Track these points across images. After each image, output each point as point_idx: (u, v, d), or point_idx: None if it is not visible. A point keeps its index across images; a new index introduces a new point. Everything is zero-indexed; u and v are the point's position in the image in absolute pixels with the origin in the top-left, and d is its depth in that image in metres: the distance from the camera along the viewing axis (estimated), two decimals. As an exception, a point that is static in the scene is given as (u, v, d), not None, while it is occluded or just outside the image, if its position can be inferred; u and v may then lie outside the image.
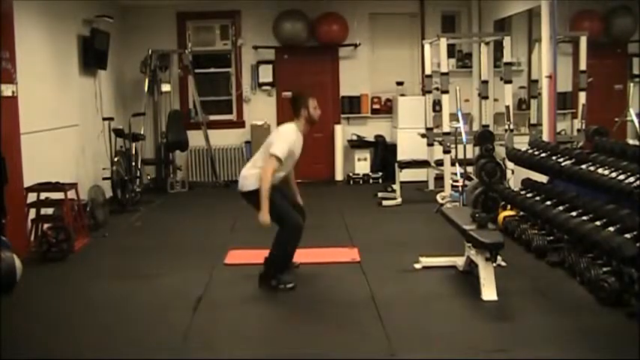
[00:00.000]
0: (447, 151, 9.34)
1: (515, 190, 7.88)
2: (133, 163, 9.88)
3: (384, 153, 11.79)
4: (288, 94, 11.76)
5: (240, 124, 12.02)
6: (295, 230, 5.70)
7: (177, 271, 6.37)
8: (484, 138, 8.17)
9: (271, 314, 5.31)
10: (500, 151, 8.75)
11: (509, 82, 9.40)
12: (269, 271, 5.79)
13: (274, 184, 5.71)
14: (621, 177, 5.78)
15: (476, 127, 10.51)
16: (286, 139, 5.78)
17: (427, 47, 10.32)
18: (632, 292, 4.95)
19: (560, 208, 6.45)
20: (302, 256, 6.36)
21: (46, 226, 7.05)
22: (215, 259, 6.66)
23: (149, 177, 11.32)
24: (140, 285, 5.99)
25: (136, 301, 5.57)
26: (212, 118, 11.95)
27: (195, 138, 11.39)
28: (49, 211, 7.29)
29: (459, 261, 6.05)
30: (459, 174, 8.93)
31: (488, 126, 9.85)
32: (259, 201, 5.61)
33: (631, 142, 8.45)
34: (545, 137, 8.45)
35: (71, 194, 7.38)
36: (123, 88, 11.41)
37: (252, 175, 5.82)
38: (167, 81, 11.52)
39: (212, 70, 12.28)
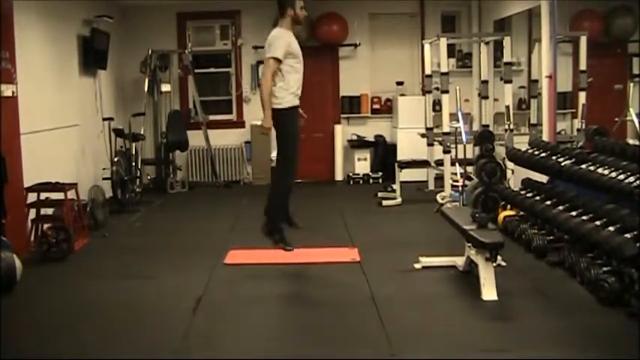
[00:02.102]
0: (446, 151, 9.33)
1: (515, 190, 7.88)
2: (133, 163, 9.88)
3: (384, 153, 11.79)
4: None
5: (240, 124, 12.02)
6: (294, 163, 5.72)
7: (177, 271, 6.37)
8: (484, 138, 8.17)
9: (271, 314, 5.31)
10: (500, 151, 8.75)
11: (509, 81, 9.40)
12: (270, 222, 5.81)
13: (295, 104, 5.79)
14: (621, 177, 5.78)
15: (476, 127, 10.50)
16: (277, 40, 5.80)
17: (427, 47, 10.33)
18: (632, 292, 4.95)
19: (560, 208, 6.45)
20: (302, 256, 6.38)
21: (46, 226, 7.05)
22: (215, 259, 6.66)
23: (149, 177, 11.32)
24: (140, 285, 5.99)
25: (136, 301, 5.57)
26: (212, 118, 11.95)
27: (195, 138, 11.39)
28: (49, 211, 7.29)
29: (459, 261, 6.05)
30: (459, 174, 8.93)
31: (488, 126, 9.84)
32: (277, 120, 5.79)
33: (631, 141, 8.44)
34: (545, 137, 8.45)
35: (71, 194, 7.38)
36: (123, 88, 11.41)
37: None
38: (167, 81, 11.53)
39: (212, 70, 12.28)
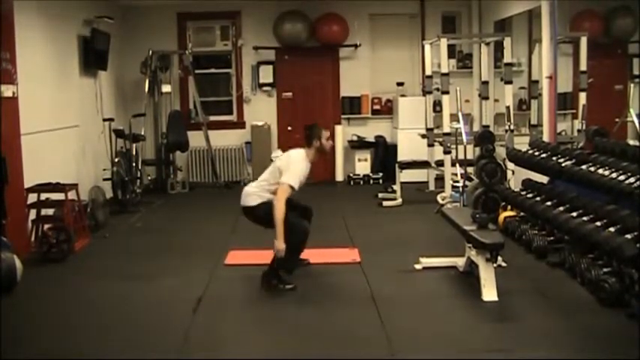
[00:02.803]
0: (447, 152, 9.33)
1: (515, 190, 7.87)
2: (134, 164, 9.87)
3: (384, 154, 11.79)
4: (289, 94, 11.88)
5: (240, 124, 12.02)
6: (303, 234, 5.75)
7: (178, 272, 6.37)
8: (484, 138, 8.16)
9: (271, 315, 5.31)
10: (500, 152, 8.74)
11: (510, 82, 9.40)
12: (272, 271, 5.80)
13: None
14: (622, 177, 5.78)
15: (476, 128, 10.50)
16: (299, 169, 5.86)
17: (427, 48, 10.33)
18: (632, 293, 4.95)
19: (561, 208, 6.44)
20: (303, 256, 6.36)
21: (46, 226, 7.05)
22: (215, 260, 6.67)
23: (149, 178, 11.31)
24: (140, 286, 5.99)
25: (137, 302, 5.57)
26: (212, 118, 11.95)
27: (195, 139, 11.39)
28: (50, 211, 7.29)
29: (460, 261, 6.05)
30: (459, 174, 8.93)
31: (488, 126, 9.84)
32: (260, 216, 5.89)
33: (631, 142, 8.44)
34: (545, 138, 8.45)
35: (72, 195, 7.38)
36: (123, 88, 11.41)
37: (255, 194, 5.98)
38: (167, 82, 11.53)
39: (212, 70, 12.28)
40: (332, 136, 6.19)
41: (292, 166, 5.85)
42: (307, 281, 5.97)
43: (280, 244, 5.58)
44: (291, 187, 5.71)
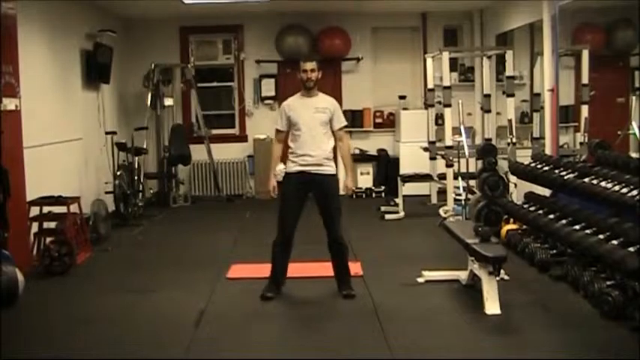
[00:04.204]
0: (449, 165, 9.33)
1: (518, 203, 7.87)
2: (136, 177, 9.89)
3: (386, 167, 11.79)
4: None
5: (242, 138, 12.03)
6: (275, 242, 5.77)
7: (180, 285, 6.36)
8: (487, 151, 8.14)
9: (274, 328, 5.30)
10: (502, 165, 8.74)
11: (512, 95, 9.41)
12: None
13: (297, 170, 5.82)
14: (624, 190, 5.76)
15: (478, 141, 10.50)
16: (280, 109, 5.98)
17: (429, 61, 10.35)
18: (635, 306, 4.93)
19: (563, 221, 6.43)
20: (305, 269, 6.38)
21: (48, 239, 7.06)
22: (218, 274, 6.65)
23: (152, 191, 11.31)
24: (142, 299, 5.98)
25: (139, 315, 5.56)
26: (215, 132, 11.97)
27: (197, 152, 11.40)
28: (52, 224, 7.29)
29: (462, 275, 6.04)
30: (461, 188, 8.92)
31: (490, 139, 9.84)
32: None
33: (634, 155, 8.42)
34: (547, 150, 8.45)
35: (74, 208, 7.39)
36: (126, 102, 11.43)
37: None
38: (170, 95, 11.54)
39: (215, 84, 12.30)
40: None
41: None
42: (310, 294, 5.96)
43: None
44: (276, 130, 6.02)
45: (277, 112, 5.93)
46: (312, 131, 5.80)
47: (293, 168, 5.87)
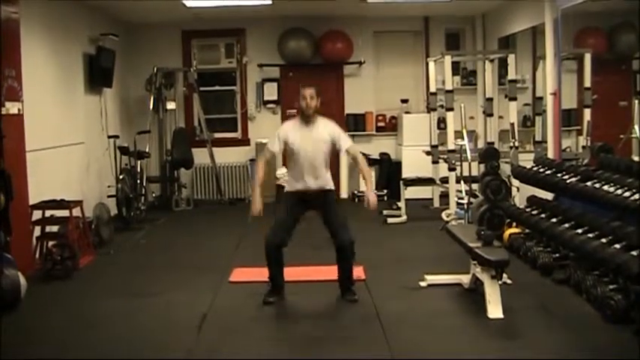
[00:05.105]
0: (452, 169, 9.32)
1: (520, 207, 7.86)
2: (138, 181, 9.89)
3: (389, 171, 11.78)
4: (293, 111, 11.87)
5: (245, 141, 12.04)
6: (265, 246, 5.78)
7: (182, 289, 6.36)
8: (489, 155, 8.16)
9: (276, 332, 5.30)
10: (505, 169, 8.73)
11: (514, 99, 9.41)
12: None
13: (297, 188, 5.86)
14: (627, 194, 5.76)
15: (481, 145, 10.50)
16: (278, 133, 5.96)
17: (432, 65, 10.35)
18: (638, 310, 4.92)
19: (566, 225, 6.42)
20: (308, 273, 6.37)
21: (50, 243, 7.06)
22: (220, 277, 6.65)
23: (154, 195, 11.33)
24: (145, 303, 5.98)
25: (141, 319, 5.56)
26: (217, 135, 11.98)
27: (200, 156, 11.41)
28: (54, 228, 7.29)
29: (465, 279, 6.03)
30: (464, 191, 8.92)
31: (493, 143, 9.83)
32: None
33: (636, 158, 8.41)
34: (550, 154, 8.44)
35: (76, 212, 7.40)
36: (128, 105, 11.45)
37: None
38: (172, 99, 11.55)
39: (217, 88, 12.30)
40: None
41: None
42: (312, 299, 5.96)
43: (255, 206, 5.81)
44: (267, 148, 5.96)
45: (276, 133, 5.93)
46: (312, 162, 5.84)
47: (293, 187, 5.93)
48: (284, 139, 5.87)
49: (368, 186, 6.02)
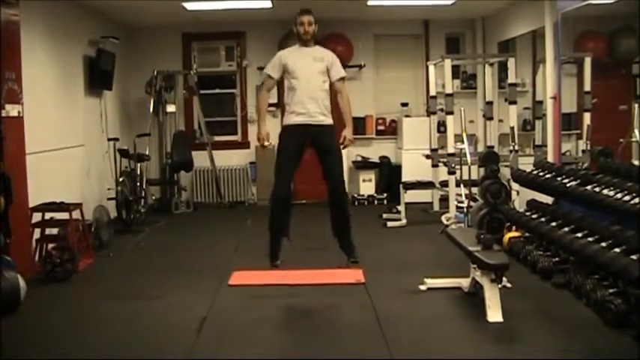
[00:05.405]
0: (451, 172, 9.33)
1: (520, 211, 7.86)
2: (138, 184, 9.88)
3: (388, 174, 11.78)
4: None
5: (245, 144, 12.04)
6: (271, 200, 5.76)
7: (182, 292, 6.35)
8: (489, 159, 8.16)
9: (276, 336, 5.29)
10: (505, 172, 8.74)
11: (514, 103, 9.41)
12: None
13: (295, 121, 5.89)
14: (627, 198, 5.76)
15: (481, 148, 10.50)
16: (275, 57, 6.06)
17: (431, 68, 10.36)
18: (638, 314, 4.92)
19: (566, 229, 6.42)
20: (306, 277, 6.37)
21: (50, 246, 7.05)
22: (219, 280, 6.64)
23: (154, 197, 11.33)
24: (144, 305, 5.97)
25: (140, 322, 5.55)
26: (217, 138, 11.98)
27: (200, 158, 11.41)
28: (54, 231, 7.29)
29: (464, 282, 6.02)
30: (463, 195, 8.92)
31: (493, 147, 9.83)
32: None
33: (636, 162, 8.41)
34: (550, 158, 8.45)
35: (76, 214, 7.39)
36: (128, 108, 11.45)
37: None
38: (172, 102, 11.55)
39: (217, 90, 12.31)
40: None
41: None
42: (312, 302, 5.95)
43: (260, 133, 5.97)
44: (266, 75, 6.15)
45: (270, 63, 5.91)
46: (309, 80, 5.82)
47: (291, 121, 5.89)
48: (283, 63, 5.85)
49: (348, 125, 6.03)
